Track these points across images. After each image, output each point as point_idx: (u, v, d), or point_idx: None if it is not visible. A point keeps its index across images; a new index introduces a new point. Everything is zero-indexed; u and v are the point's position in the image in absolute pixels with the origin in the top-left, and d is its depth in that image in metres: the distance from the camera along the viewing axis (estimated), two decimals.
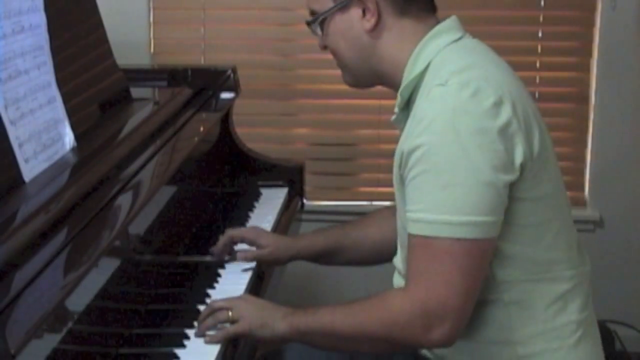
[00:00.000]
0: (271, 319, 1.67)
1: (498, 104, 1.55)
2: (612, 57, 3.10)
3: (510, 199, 1.58)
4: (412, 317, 1.56)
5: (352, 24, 1.70)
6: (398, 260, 1.80)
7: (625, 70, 3.10)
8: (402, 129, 1.70)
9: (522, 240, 1.62)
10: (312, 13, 1.77)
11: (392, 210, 2.04)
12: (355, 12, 1.69)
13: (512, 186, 1.57)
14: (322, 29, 1.75)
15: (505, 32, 3.14)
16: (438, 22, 1.71)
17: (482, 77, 1.58)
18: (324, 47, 1.79)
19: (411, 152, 1.57)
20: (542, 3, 3.13)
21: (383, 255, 1.96)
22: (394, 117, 1.74)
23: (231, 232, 2.05)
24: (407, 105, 1.70)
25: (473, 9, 3.10)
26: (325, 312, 1.65)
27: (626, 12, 3.06)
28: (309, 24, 1.78)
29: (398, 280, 1.80)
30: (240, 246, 2.05)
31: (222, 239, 2.04)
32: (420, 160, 1.56)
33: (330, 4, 1.72)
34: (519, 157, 1.56)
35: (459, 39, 1.69)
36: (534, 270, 1.64)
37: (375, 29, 1.69)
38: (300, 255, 2.04)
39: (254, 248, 2.03)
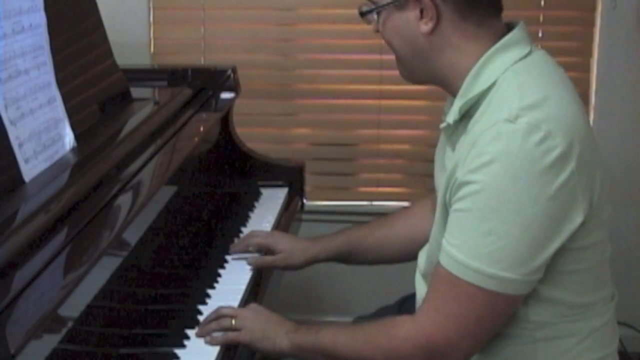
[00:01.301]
0: (273, 334, 1.67)
1: (565, 156, 1.45)
2: (612, 57, 3.10)
3: (559, 249, 1.50)
4: (415, 350, 1.54)
5: (408, 23, 1.60)
6: (422, 262, 1.77)
7: (625, 70, 3.10)
8: (448, 137, 1.63)
9: (562, 287, 1.55)
10: (368, 2, 1.67)
11: (418, 207, 2.04)
12: (412, 12, 1.59)
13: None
14: (378, 19, 1.66)
15: None
16: (503, 26, 1.61)
17: (554, 117, 1.47)
18: (377, 31, 1.68)
19: (463, 184, 1.49)
20: (542, 3, 3.13)
21: (409, 255, 1.94)
22: (444, 124, 1.64)
23: (248, 241, 2.06)
24: (461, 119, 1.60)
25: None
26: (328, 333, 1.64)
27: (626, 12, 3.06)
28: (362, 14, 1.67)
29: (420, 282, 1.77)
30: None
31: (240, 246, 2.05)
32: (470, 197, 1.48)
33: None
34: (579, 217, 1.48)
35: (528, 54, 1.58)
36: (571, 313, 1.58)
37: (434, 33, 1.58)
38: (317, 259, 2.02)
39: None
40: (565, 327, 1.58)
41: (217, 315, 1.71)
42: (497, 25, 1.61)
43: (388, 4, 1.62)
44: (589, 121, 1.58)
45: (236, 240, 2.14)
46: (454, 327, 1.51)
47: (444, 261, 1.53)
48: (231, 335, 1.68)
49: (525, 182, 1.44)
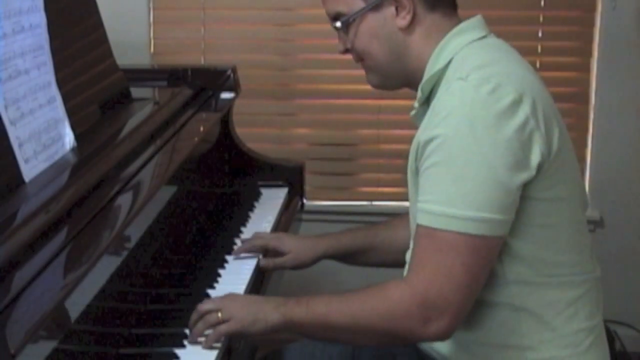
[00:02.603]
0: (262, 313, 1.64)
1: (517, 102, 1.54)
2: (612, 57, 3.10)
3: (525, 198, 1.57)
4: (411, 308, 1.55)
5: (385, 22, 1.69)
6: (409, 255, 1.78)
7: (625, 70, 3.10)
8: (420, 125, 1.69)
9: (534, 240, 1.61)
10: (337, 16, 1.74)
11: None
12: (388, 10, 1.68)
13: (527, 185, 1.56)
14: (348, 31, 1.73)
15: (505, 32, 3.08)
16: (461, 20, 1.71)
17: (503, 73, 1.58)
18: (345, 51, 1.78)
19: (427, 143, 1.57)
20: (542, 3, 3.13)
21: None
22: (413, 112, 1.73)
23: (253, 242, 2.06)
24: (427, 100, 1.69)
25: (473, 9, 3.07)
26: (320, 302, 1.63)
27: (626, 12, 3.06)
28: (337, 28, 1.75)
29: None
30: None
31: (244, 248, 2.04)
32: (435, 152, 1.56)
33: (361, 4, 1.69)
34: (535, 157, 1.55)
35: (483, 37, 1.69)
36: (545, 272, 1.62)
37: (409, 27, 1.68)
38: (326, 255, 2.03)
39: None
40: (542, 293, 1.62)
41: (199, 314, 1.67)
42: (457, 18, 1.72)
43: (364, 8, 1.69)
44: (546, 90, 1.66)
45: (236, 240, 2.14)
46: (444, 279, 1.54)
47: (421, 219, 1.57)
48: (222, 328, 1.64)
49: (482, 126, 1.53)
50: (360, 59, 1.76)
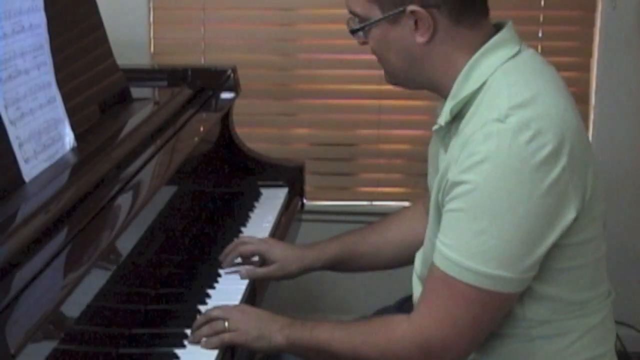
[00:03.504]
0: (268, 331, 1.65)
1: (555, 154, 1.46)
2: (612, 57, 3.10)
3: (552, 245, 1.50)
4: (412, 349, 1.55)
5: (403, 36, 1.58)
6: (418, 264, 1.76)
7: (625, 70, 3.10)
8: (440, 139, 1.64)
9: (558, 283, 1.55)
10: (353, 14, 1.63)
11: (411, 210, 2.02)
12: (406, 25, 1.57)
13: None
14: (366, 35, 1.62)
15: None
16: (491, 27, 1.61)
17: (543, 115, 1.48)
18: (363, 43, 1.65)
19: (455, 184, 1.50)
20: (542, 3, 3.12)
21: (405, 259, 1.92)
22: (436, 126, 1.63)
23: (240, 248, 1.99)
24: (453, 120, 1.60)
25: None
26: (324, 330, 1.63)
27: (626, 12, 3.06)
28: (353, 32, 1.63)
29: (416, 284, 1.77)
30: None
31: (231, 252, 1.98)
32: (462, 197, 1.49)
33: (378, 13, 1.58)
34: (570, 213, 1.48)
35: (517, 53, 1.58)
36: (567, 310, 1.58)
37: (430, 42, 1.57)
38: (314, 267, 1.98)
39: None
40: (562, 324, 1.58)
41: (207, 318, 1.68)
42: (487, 27, 1.61)
43: (380, 19, 1.58)
44: (579, 118, 1.57)
45: (236, 239, 2.14)
46: (450, 327, 1.52)
47: (438, 261, 1.53)
48: (226, 337, 1.65)
49: (516, 180, 1.45)
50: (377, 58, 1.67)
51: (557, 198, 1.47)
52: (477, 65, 1.56)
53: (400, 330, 1.57)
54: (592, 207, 1.54)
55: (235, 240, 2.05)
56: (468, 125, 1.54)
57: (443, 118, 1.60)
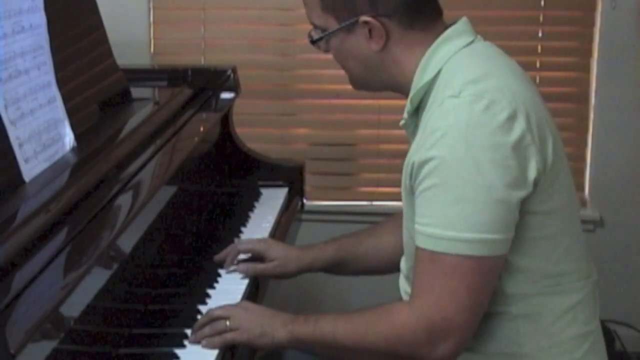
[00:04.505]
0: (270, 328, 1.66)
1: (512, 118, 1.52)
2: (612, 57, 3.10)
3: (522, 212, 1.55)
4: (417, 332, 1.55)
5: (359, 44, 1.67)
6: (403, 264, 1.79)
7: (625, 70, 3.10)
8: (410, 134, 1.69)
9: (533, 253, 1.60)
10: (314, 25, 1.73)
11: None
12: (361, 34, 1.65)
13: (524, 201, 1.54)
14: (327, 44, 1.72)
15: (505, 32, 3.14)
16: (446, 26, 1.67)
17: (496, 87, 1.55)
18: (326, 51, 1.75)
19: (422, 164, 1.55)
20: (542, 3, 3.13)
21: (399, 263, 1.92)
22: (402, 121, 1.72)
23: (239, 246, 2.01)
24: (416, 111, 1.67)
25: (473, 9, 3.10)
26: (327, 322, 1.64)
27: (626, 12, 3.06)
28: (313, 42, 1.74)
29: (403, 284, 1.78)
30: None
31: (229, 251, 2.00)
32: (432, 174, 1.54)
33: (334, 24, 1.68)
34: (532, 172, 1.53)
35: (470, 43, 1.65)
36: (545, 283, 1.62)
37: (384, 48, 1.65)
38: (311, 268, 2.00)
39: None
40: (539, 301, 1.61)
41: (209, 318, 1.69)
42: (441, 26, 1.67)
43: (336, 30, 1.67)
44: (539, 96, 1.64)
45: (236, 239, 2.14)
46: (449, 302, 1.54)
47: (421, 242, 1.56)
48: (228, 336, 1.66)
49: (479, 145, 1.51)
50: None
51: (520, 158, 1.52)
52: (433, 56, 1.64)
53: (402, 316, 1.58)
54: (556, 177, 1.58)
55: (233, 244, 2.05)
56: (429, 112, 1.61)
57: (406, 109, 1.68)
